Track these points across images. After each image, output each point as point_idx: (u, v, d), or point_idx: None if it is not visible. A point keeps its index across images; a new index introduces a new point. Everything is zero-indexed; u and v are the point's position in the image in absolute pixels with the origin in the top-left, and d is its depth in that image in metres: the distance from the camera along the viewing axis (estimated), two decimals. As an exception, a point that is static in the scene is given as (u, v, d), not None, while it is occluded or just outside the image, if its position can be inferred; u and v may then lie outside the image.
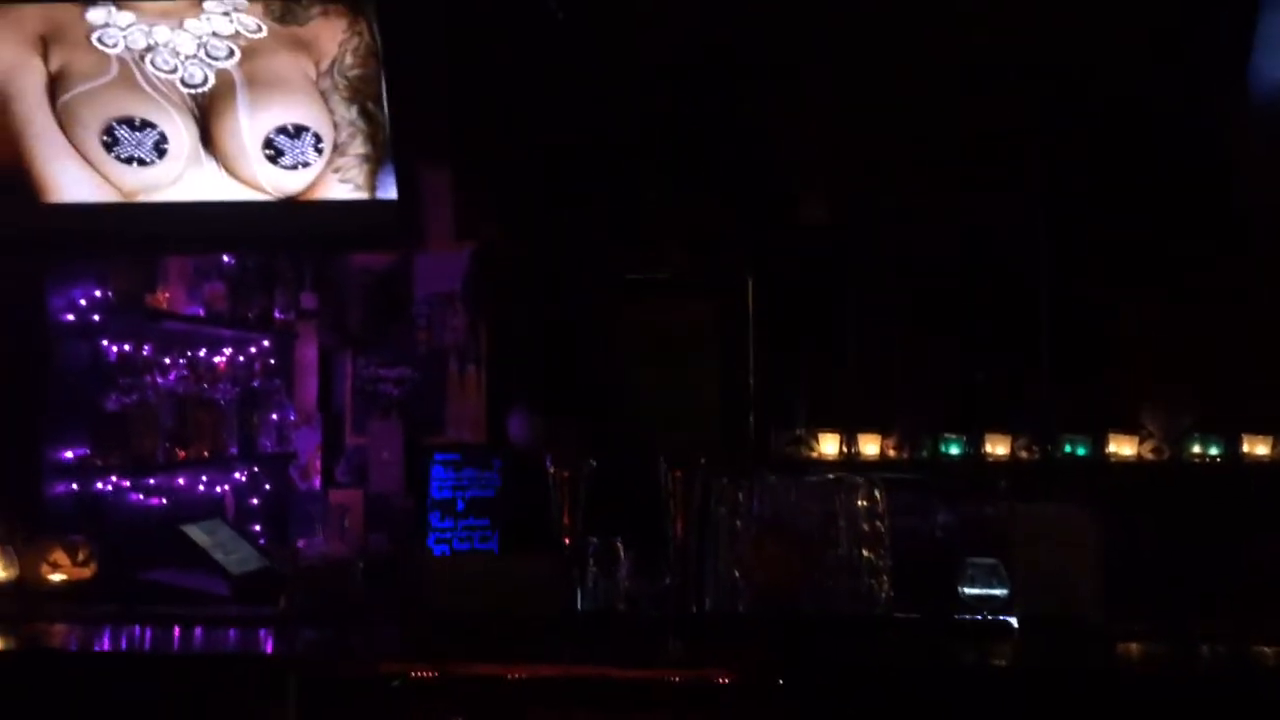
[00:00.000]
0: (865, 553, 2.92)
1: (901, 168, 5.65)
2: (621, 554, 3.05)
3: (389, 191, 3.20)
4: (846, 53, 5.18)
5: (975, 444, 5.43)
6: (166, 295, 3.97)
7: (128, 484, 4.00)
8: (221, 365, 4.50)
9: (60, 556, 3.30)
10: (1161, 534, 4.60)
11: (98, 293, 3.76)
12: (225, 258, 4.43)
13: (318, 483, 5.39)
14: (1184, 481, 5.32)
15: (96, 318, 3.75)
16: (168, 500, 4.26)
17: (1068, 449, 5.44)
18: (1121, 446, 5.34)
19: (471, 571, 3.03)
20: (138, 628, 2.74)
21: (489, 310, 5.43)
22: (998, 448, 5.42)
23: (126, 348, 3.95)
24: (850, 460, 5.52)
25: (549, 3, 3.28)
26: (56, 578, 3.31)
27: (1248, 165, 2.84)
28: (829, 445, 5.55)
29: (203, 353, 4.41)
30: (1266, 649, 2.58)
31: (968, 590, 2.82)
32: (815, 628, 2.80)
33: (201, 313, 4.24)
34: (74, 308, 3.68)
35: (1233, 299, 5.20)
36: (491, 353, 5.45)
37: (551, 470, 3.16)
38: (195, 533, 3.88)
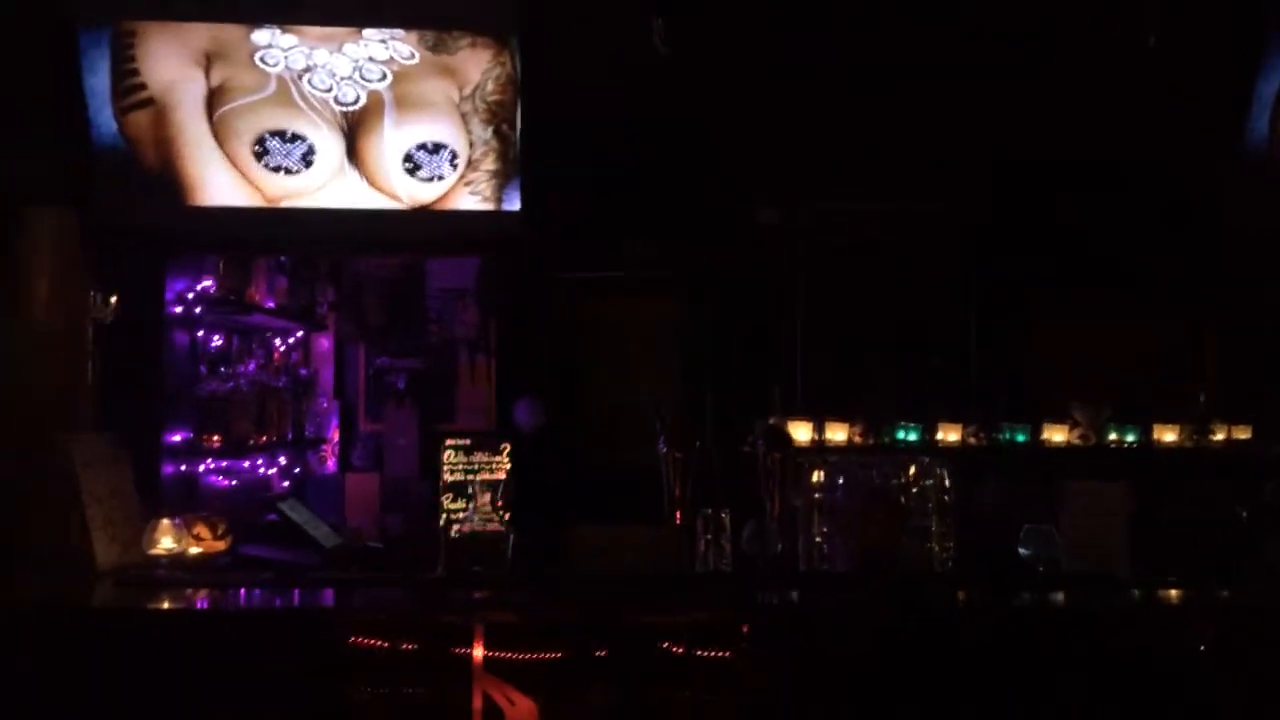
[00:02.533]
0: (936, 521, 3.52)
1: (851, 177, 6.27)
2: (727, 524, 3.56)
3: (514, 204, 3.61)
4: (802, 77, 5.70)
5: (930, 431, 6.11)
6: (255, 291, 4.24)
7: (211, 466, 4.27)
8: (277, 356, 4.78)
9: (204, 530, 3.59)
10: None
11: (198, 287, 4.02)
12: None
13: (333, 465, 5.67)
14: (1106, 462, 6.11)
15: (198, 310, 4.01)
16: (236, 481, 4.53)
17: (1008, 436, 6.18)
18: (1054, 434, 6.10)
19: (603, 542, 3.48)
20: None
21: (499, 306, 5.81)
22: (949, 435, 6.11)
23: (218, 339, 4.21)
24: (820, 446, 6.13)
25: (655, 39, 3.73)
26: (196, 550, 3.59)
27: (1234, 202, 3.53)
28: (801, 433, 6.12)
29: (273, 343, 4.68)
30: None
31: (1023, 550, 3.45)
32: (911, 581, 3.38)
33: (272, 305, 4.51)
34: (181, 300, 3.94)
35: (1148, 313, 6.07)
36: (501, 345, 5.82)
37: (664, 451, 3.66)
38: (289, 510, 4.19)
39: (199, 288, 4.01)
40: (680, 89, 5.31)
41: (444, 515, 5.63)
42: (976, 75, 5.58)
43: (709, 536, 3.58)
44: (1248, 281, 5.89)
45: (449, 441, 5.75)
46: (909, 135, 5.93)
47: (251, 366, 4.35)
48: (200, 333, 4.10)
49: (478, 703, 3.02)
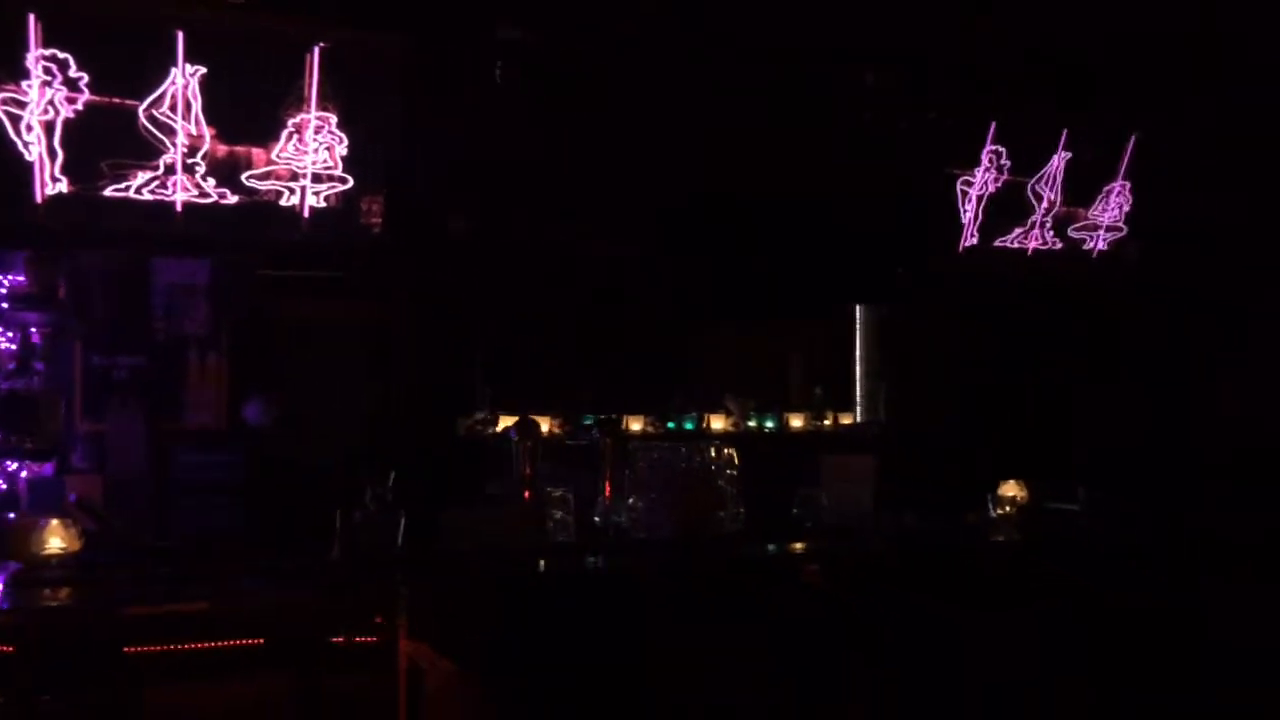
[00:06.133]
0: (729, 493, 4.36)
1: (534, 194, 6.93)
2: (572, 502, 4.12)
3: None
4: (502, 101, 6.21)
5: (618, 421, 6.97)
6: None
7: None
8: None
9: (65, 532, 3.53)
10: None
11: (6, 280, 3.91)
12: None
13: (49, 467, 5.41)
14: (751, 442, 7.29)
15: (5, 305, 3.89)
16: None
17: (676, 424, 7.22)
18: (715, 422, 7.25)
19: (475, 522, 3.89)
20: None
21: (231, 303, 5.83)
22: (633, 424, 7.03)
23: (10, 335, 4.08)
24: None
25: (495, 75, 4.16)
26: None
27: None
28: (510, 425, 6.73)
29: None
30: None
31: (796, 510, 4.40)
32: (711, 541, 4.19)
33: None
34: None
35: (783, 329, 7.36)
36: (233, 343, 5.84)
37: (515, 439, 4.16)
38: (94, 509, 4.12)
39: (8, 281, 3.86)
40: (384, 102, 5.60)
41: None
42: (665, 122, 6.36)
43: (558, 514, 4.14)
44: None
45: (178, 440, 5.75)
46: (600, 164, 6.63)
47: (40, 365, 4.19)
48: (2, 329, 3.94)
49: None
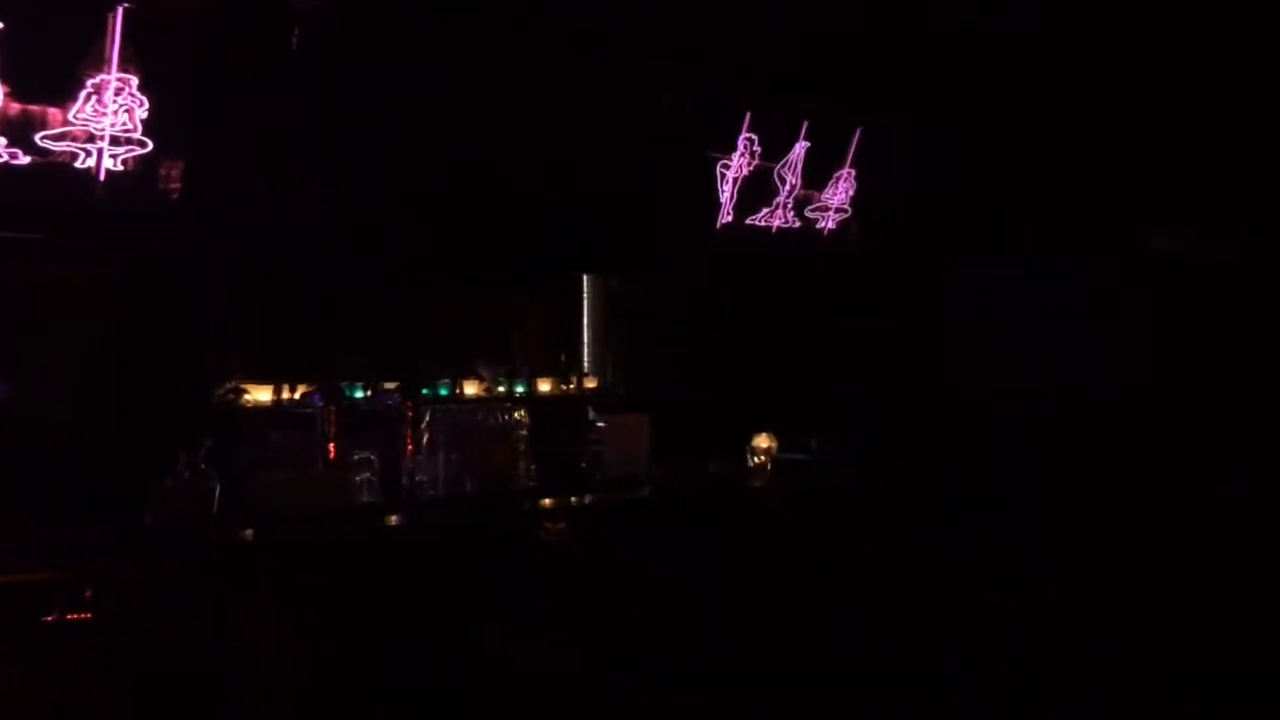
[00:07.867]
0: (523, 451, 4.67)
1: (285, 162, 6.81)
2: (376, 464, 4.25)
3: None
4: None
5: (375, 389, 7.05)
6: None
7: None
8: None
9: None
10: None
11: None
12: None
13: None
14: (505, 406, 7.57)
15: None
16: None
17: (427, 391, 7.38)
18: (468, 388, 7.47)
19: (286, 485, 3.97)
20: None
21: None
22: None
23: None
24: (280, 404, 6.68)
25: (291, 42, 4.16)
26: None
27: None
28: (263, 395, 6.63)
29: None
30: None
31: (584, 465, 4.77)
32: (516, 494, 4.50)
33: None
34: None
35: (532, 299, 7.61)
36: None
37: (320, 405, 4.24)
38: None
39: None
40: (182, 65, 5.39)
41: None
42: (430, 95, 6.37)
43: (362, 475, 4.29)
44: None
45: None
46: (359, 137, 6.53)
47: None
48: None
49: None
